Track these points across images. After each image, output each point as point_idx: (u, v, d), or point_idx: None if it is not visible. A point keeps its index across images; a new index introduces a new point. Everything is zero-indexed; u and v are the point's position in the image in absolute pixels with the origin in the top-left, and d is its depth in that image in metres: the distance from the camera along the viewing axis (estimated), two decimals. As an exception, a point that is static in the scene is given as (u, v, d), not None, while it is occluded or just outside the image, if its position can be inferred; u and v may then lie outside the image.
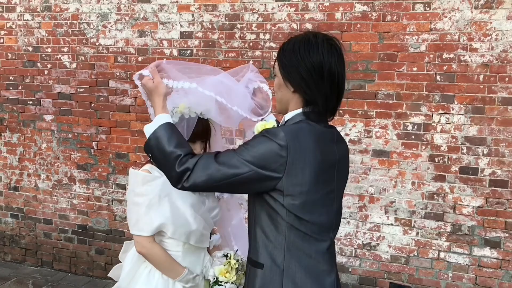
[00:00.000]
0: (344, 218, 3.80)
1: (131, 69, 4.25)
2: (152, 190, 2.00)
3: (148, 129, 1.76)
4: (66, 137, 4.55)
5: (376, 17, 3.58)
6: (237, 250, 2.26)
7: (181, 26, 4.08)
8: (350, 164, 3.72)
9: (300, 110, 1.72)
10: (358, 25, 3.63)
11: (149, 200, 2.00)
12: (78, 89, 4.46)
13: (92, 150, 4.48)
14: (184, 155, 1.68)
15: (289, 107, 1.75)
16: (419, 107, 3.55)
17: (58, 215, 4.68)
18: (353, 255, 3.82)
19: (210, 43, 4.01)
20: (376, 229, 3.74)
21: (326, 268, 1.75)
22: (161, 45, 4.16)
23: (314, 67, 1.63)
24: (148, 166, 2.12)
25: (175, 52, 4.12)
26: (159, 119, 1.77)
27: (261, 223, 1.73)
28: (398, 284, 3.71)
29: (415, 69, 3.53)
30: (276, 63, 1.75)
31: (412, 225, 3.65)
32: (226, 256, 2.18)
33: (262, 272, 1.72)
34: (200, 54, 4.05)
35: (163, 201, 2.01)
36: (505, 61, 3.34)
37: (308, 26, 3.73)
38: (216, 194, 2.21)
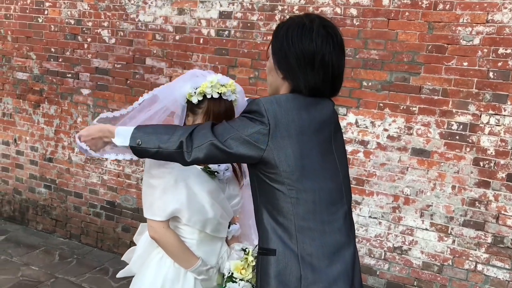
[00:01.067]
0: (375, 218, 3.58)
1: (168, 47, 4.17)
2: (169, 173, 1.89)
3: (122, 141, 1.71)
4: (101, 112, 4.53)
5: (427, 5, 3.30)
6: (256, 246, 2.12)
7: (221, 5, 3.94)
8: (386, 162, 3.52)
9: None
10: (407, 13, 3.37)
11: (165, 183, 1.89)
12: (116, 65, 4.43)
13: (125, 127, 4.44)
14: (181, 142, 1.63)
15: (279, 92, 1.67)
16: (467, 106, 3.26)
17: (88, 189, 4.70)
18: (382, 258, 3.60)
19: (248, 25, 3.86)
20: (409, 232, 3.49)
21: (343, 240, 1.63)
22: (199, 24, 4.04)
23: (304, 55, 1.55)
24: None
25: (212, 33, 3.99)
26: (123, 132, 1.71)
27: (266, 206, 1.64)
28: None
29: (465, 63, 3.24)
30: (270, 45, 1.68)
31: (449, 232, 3.39)
32: (244, 250, 2.04)
33: (275, 258, 1.60)
34: (238, 36, 3.90)
35: (180, 185, 1.90)
36: None
37: (353, 11, 3.50)
38: (221, 176, 2.06)
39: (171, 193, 1.89)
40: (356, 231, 3.62)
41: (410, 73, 3.39)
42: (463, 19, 3.22)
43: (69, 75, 4.67)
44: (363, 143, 3.57)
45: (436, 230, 3.42)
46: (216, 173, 2.01)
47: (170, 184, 1.89)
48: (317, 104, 1.63)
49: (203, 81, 1.95)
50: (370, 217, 3.59)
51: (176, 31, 4.13)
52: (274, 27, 3.76)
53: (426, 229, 3.45)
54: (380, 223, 3.57)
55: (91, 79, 4.56)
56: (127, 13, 4.32)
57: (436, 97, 3.34)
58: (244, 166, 2.10)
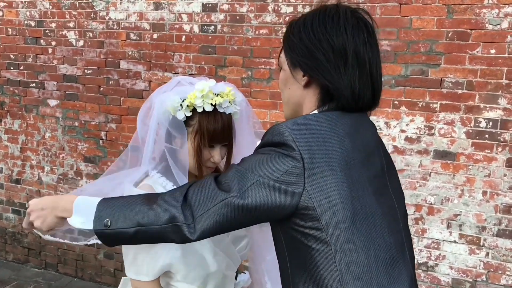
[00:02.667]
0: (395, 231, 3.14)
1: (145, 47, 3.64)
2: None
3: (83, 222, 1.23)
4: (72, 125, 3.99)
5: (445, -15, 2.87)
6: (272, 295, 1.66)
7: (204, -3, 3.44)
8: (405, 167, 3.07)
9: (316, 112, 1.25)
10: (422, -4, 2.93)
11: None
12: (86, 71, 3.88)
13: (101, 141, 3.91)
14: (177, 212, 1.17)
15: (301, 110, 1.28)
16: (496, 99, 2.84)
17: (63, 212, 4.14)
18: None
19: (237, 18, 3.36)
20: (435, 246, 3.07)
21: None
22: (180, 19, 3.52)
23: (334, 49, 1.18)
24: (151, 180, 1.53)
25: (196, 28, 3.48)
26: (83, 207, 1.23)
27: (299, 274, 1.17)
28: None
29: (493, 51, 2.82)
30: (282, 52, 1.31)
31: (481, 243, 2.97)
32: None
33: None
34: (226, 31, 3.40)
35: None
36: None
37: (358, -4, 3.04)
38: None
39: (160, 243, 1.41)
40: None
41: (428, 64, 2.95)
42: (488, 0, 2.79)
43: (33, 85, 4.10)
44: (378, 147, 3.12)
45: (467, 242, 3.00)
46: None
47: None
48: (358, 125, 1.22)
49: (191, 90, 1.47)
50: (389, 230, 3.15)
51: (153, 29, 3.61)
52: (267, 19, 3.29)
53: (455, 242, 3.03)
54: (401, 237, 3.14)
55: (58, 88, 4.00)
56: (95, 11, 3.77)
57: (460, 91, 2.91)
58: None
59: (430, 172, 3.03)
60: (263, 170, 1.11)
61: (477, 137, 2.91)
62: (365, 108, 1.24)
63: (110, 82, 3.80)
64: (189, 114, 1.46)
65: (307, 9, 3.08)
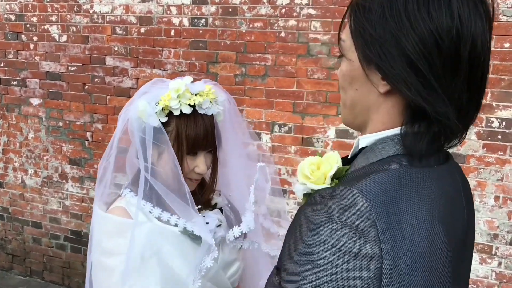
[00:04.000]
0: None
1: (132, 43, 3.41)
2: (131, 246, 1.22)
3: None
4: (56, 125, 3.76)
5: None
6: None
7: (194, -12, 3.20)
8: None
9: (396, 131, 0.83)
10: (429, -15, 2.70)
11: (126, 262, 1.20)
12: (70, 68, 3.65)
13: (87, 142, 3.68)
14: None
15: (370, 120, 0.87)
16: (510, 97, 2.62)
17: (48, 217, 3.93)
18: None
19: (230, 10, 3.13)
20: (443, 255, 2.87)
21: None
22: (168, 12, 3.29)
23: (439, 43, 0.74)
24: (124, 202, 1.31)
25: (186, 22, 3.25)
26: None
27: None
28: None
29: (507, 45, 2.59)
30: (346, 31, 0.86)
31: (493, 252, 2.76)
32: None
33: None
34: (218, 24, 3.17)
35: (150, 263, 1.23)
36: None
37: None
38: (237, 243, 1.36)
39: (136, 278, 1.21)
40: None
41: (436, 60, 2.74)
42: (502, -11, 2.57)
43: (14, 83, 3.86)
44: (381, 149, 2.91)
45: (477, 250, 2.79)
46: (196, 239, 1.31)
47: (134, 264, 1.21)
48: (449, 176, 0.87)
49: (165, 91, 1.25)
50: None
51: (140, 23, 3.37)
52: (262, 11, 3.06)
53: (465, 250, 2.82)
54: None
55: (41, 86, 3.77)
56: (79, 4, 3.53)
57: (470, 89, 2.69)
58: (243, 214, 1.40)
59: (438, 176, 2.82)
60: (335, 277, 0.72)
61: (489, 138, 2.69)
62: (464, 127, 0.84)
63: (96, 79, 3.57)
64: (164, 119, 1.24)
65: (305, 1, 2.86)
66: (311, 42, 2.96)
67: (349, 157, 0.91)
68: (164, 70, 3.35)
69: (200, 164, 1.28)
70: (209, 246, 1.23)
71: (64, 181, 3.80)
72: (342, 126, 2.95)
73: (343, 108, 0.93)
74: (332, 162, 0.85)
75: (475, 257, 2.79)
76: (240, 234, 1.29)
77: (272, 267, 1.46)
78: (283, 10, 3.00)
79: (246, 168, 1.43)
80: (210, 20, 3.18)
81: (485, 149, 2.71)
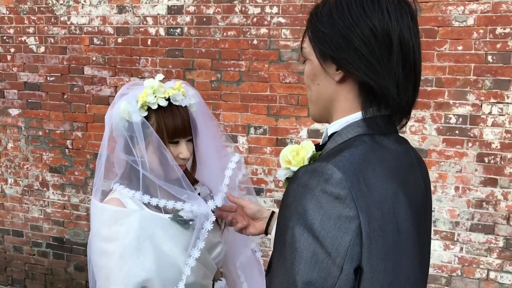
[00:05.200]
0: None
1: (109, 52, 3.53)
2: (126, 232, 1.37)
3: None
4: (36, 134, 3.84)
5: (412, -17, 2.87)
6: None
7: (169, -1, 3.36)
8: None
9: (357, 116, 1.02)
10: None
11: (123, 246, 1.36)
12: (48, 78, 3.74)
13: (67, 150, 3.77)
14: None
15: (333, 109, 1.05)
16: (465, 95, 2.87)
17: (29, 225, 3.99)
18: None
19: (204, 19, 3.29)
20: (411, 243, 3.08)
21: None
22: (145, 22, 3.43)
23: (376, 36, 0.96)
24: (117, 193, 1.46)
25: (162, 32, 3.40)
26: None
27: None
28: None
29: (460, 48, 2.84)
30: (306, 38, 1.07)
31: (455, 239, 3.00)
32: None
33: None
34: (193, 33, 3.33)
35: (144, 246, 1.37)
36: None
37: (326, -4, 3.02)
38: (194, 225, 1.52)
39: (133, 259, 1.36)
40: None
41: (397, 63, 2.96)
42: (454, -3, 2.82)
43: (-8, 94, 3.93)
44: (350, 146, 3.11)
45: (441, 238, 3.02)
46: (191, 221, 1.47)
47: (131, 247, 1.37)
48: (404, 154, 1.05)
49: (141, 90, 1.42)
50: (364, 230, 3.14)
51: (117, 33, 3.50)
52: (234, 20, 3.24)
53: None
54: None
55: (19, 96, 3.85)
56: (56, 16, 3.64)
57: (429, 88, 2.93)
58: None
59: (403, 170, 3.03)
60: (330, 242, 0.87)
61: (448, 134, 2.93)
62: (407, 109, 1.05)
63: (75, 89, 3.67)
64: (145, 113, 1.40)
65: (275, 10, 3.05)
66: (282, 48, 3.15)
67: (320, 144, 1.09)
68: (142, 78, 3.48)
69: (183, 150, 1.44)
70: (207, 214, 1.39)
71: (45, 189, 3.88)
72: (313, 126, 3.14)
73: (310, 104, 1.12)
74: (308, 148, 1.04)
75: (439, 244, 3.02)
76: (214, 207, 1.46)
77: (249, 244, 1.62)
78: (255, 19, 3.18)
79: (220, 156, 1.60)
80: (186, 29, 3.34)
81: (444, 143, 2.94)
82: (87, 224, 3.79)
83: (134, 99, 1.41)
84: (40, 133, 3.83)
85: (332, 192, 0.88)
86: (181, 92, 1.44)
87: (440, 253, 3.03)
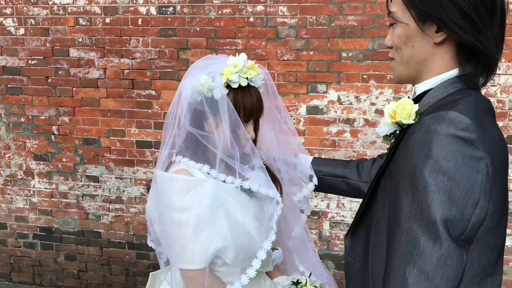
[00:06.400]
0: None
1: (97, 33, 3.41)
2: (200, 201, 1.35)
3: None
4: (18, 121, 3.67)
5: (407, -41, 2.94)
6: (310, 274, 1.63)
7: (160, -23, 3.28)
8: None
9: (452, 73, 1.08)
10: (385, -30, 2.98)
11: (198, 215, 1.35)
12: (30, 61, 3.57)
13: (53, 136, 3.63)
14: None
15: (425, 69, 1.12)
16: (459, 68, 2.99)
17: (14, 217, 3.83)
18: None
19: (198, -2, 3.24)
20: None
21: None
22: (134, 1, 3.34)
23: (483, 1, 1.03)
24: (183, 165, 1.44)
25: (153, 10, 3.32)
26: None
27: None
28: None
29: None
30: (395, 4, 1.12)
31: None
32: (296, 284, 1.56)
33: None
34: (186, 12, 3.27)
35: (218, 214, 1.37)
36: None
37: (322, -28, 3.04)
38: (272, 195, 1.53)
39: (209, 227, 1.35)
40: (350, 218, 3.27)
41: (394, 38, 3.03)
42: (448, -27, 2.91)
43: (-33, 80, 3.71)
44: (349, 121, 3.18)
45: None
46: (250, 192, 1.49)
47: (205, 216, 1.35)
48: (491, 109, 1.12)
49: (224, 66, 1.41)
50: (364, 202, 3.23)
51: (105, 13, 3.39)
52: (230, -2, 3.21)
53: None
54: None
55: (-2, 81, 3.66)
56: (36, -5, 3.47)
57: (425, 62, 3.02)
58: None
59: (401, 142, 3.13)
60: (468, 183, 0.94)
61: (443, 105, 3.05)
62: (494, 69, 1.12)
63: (60, 72, 3.53)
64: (226, 91, 1.39)
65: (271, -13, 3.04)
66: (279, 26, 3.15)
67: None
68: (133, 59, 3.39)
69: (250, 130, 1.45)
70: (275, 200, 1.41)
71: (30, 177, 3.72)
72: (312, 103, 3.18)
73: (399, 65, 1.16)
74: (411, 103, 1.08)
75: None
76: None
77: (301, 220, 1.65)
78: (251, -4, 3.17)
79: (279, 138, 1.62)
80: (178, 8, 3.28)
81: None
82: (78, 211, 3.69)
83: (217, 74, 1.39)
84: (23, 119, 3.66)
85: (464, 136, 0.94)
86: (257, 73, 1.43)
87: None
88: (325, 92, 3.16)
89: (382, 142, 1.24)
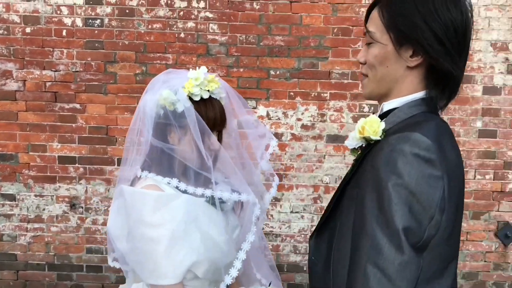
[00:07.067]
0: (297, 212, 3.40)
1: (16, 43, 3.24)
2: (173, 216, 1.38)
3: None
4: None
5: (329, -14, 3.19)
6: (270, 283, 1.71)
7: (87, -12, 3.20)
8: (302, 152, 3.35)
9: (418, 95, 1.20)
10: (309, -5, 3.20)
11: (171, 231, 1.36)
12: None
13: (-38, 152, 3.36)
14: None
15: (395, 89, 1.21)
16: (375, 87, 3.28)
17: None
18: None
19: (127, 11, 3.22)
20: (332, 221, 3.41)
21: None
22: (58, 12, 3.22)
23: (456, 30, 1.13)
24: (151, 180, 1.45)
25: (79, 22, 3.22)
26: None
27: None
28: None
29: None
30: (373, 24, 1.20)
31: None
32: None
33: None
34: (114, 25, 3.23)
35: (190, 229, 1.40)
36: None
37: (252, -6, 3.19)
38: (230, 206, 1.60)
39: (182, 242, 1.38)
40: (278, 229, 3.41)
41: (318, 58, 3.26)
42: (365, 0, 3.20)
43: None
44: (277, 135, 3.33)
45: (358, 213, 3.40)
46: (223, 203, 1.55)
47: (179, 231, 1.38)
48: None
49: (185, 79, 1.45)
50: (292, 212, 3.40)
51: (25, 22, 3.23)
52: (160, 13, 3.22)
53: (348, 215, 3.41)
54: (302, 216, 3.41)
55: None
56: None
57: (346, 81, 3.28)
58: None
59: (325, 155, 3.35)
60: (425, 199, 1.05)
61: (362, 121, 3.31)
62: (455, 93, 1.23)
63: (-29, 83, 3.29)
64: (188, 104, 1.43)
65: (202, 4, 3.13)
66: (210, 42, 3.23)
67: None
68: (56, 71, 3.26)
69: (214, 142, 1.50)
70: (255, 203, 1.46)
71: None
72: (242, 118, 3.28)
73: (371, 83, 1.25)
74: (378, 121, 1.20)
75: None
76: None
77: (254, 230, 1.73)
78: (181, 13, 3.21)
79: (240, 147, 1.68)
80: (106, 20, 3.22)
81: (359, 130, 3.32)
82: (-9, 233, 3.43)
83: (179, 87, 1.42)
84: None
85: (425, 156, 1.05)
86: (218, 86, 1.48)
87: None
88: (255, 108, 3.28)
89: (349, 154, 1.36)
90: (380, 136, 1.19)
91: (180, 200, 1.39)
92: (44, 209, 3.40)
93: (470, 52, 3.15)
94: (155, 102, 1.43)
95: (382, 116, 1.25)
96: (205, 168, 1.46)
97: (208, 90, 1.45)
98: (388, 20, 1.16)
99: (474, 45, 3.22)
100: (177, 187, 1.44)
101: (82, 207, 3.39)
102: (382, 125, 1.20)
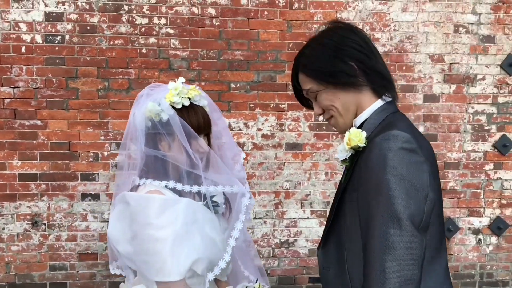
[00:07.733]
0: (260, 218, 3.56)
1: (-28, 60, 3.18)
2: (176, 218, 1.49)
3: None
4: None
5: (284, 4, 3.40)
6: (257, 280, 1.85)
7: (46, 5, 3.21)
8: (263, 161, 3.53)
9: (379, 102, 1.41)
10: (265, 12, 3.40)
11: (175, 232, 1.48)
12: None
13: None
14: None
15: (359, 110, 1.43)
16: (329, 97, 3.52)
17: None
18: (271, 255, 3.62)
19: (88, 28, 3.26)
20: (293, 224, 3.61)
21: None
22: (17, 29, 3.21)
23: (365, 39, 1.39)
24: (151, 186, 1.57)
25: (38, 39, 3.23)
26: None
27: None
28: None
29: (323, 58, 3.48)
30: (305, 82, 1.43)
31: (327, 215, 3.63)
32: None
33: None
34: (76, 41, 3.26)
35: (192, 229, 1.53)
36: (402, 51, 3.55)
37: (211, 11, 3.34)
38: (222, 210, 1.74)
39: (185, 242, 1.50)
40: (242, 236, 3.55)
41: (275, 71, 3.46)
42: (317, 17, 3.45)
43: None
44: (239, 145, 3.47)
45: (316, 216, 3.62)
46: (218, 206, 1.69)
47: (182, 232, 1.50)
48: None
49: (166, 91, 1.59)
50: (255, 218, 3.55)
51: (-19, 39, 3.19)
52: (122, 29, 3.30)
53: (308, 218, 3.62)
54: (265, 222, 3.57)
55: None
56: None
57: (301, 92, 3.49)
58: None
59: (284, 162, 3.54)
60: (416, 185, 1.25)
61: (317, 129, 3.54)
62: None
63: None
64: (172, 112, 1.55)
65: (163, 21, 3.24)
66: (171, 57, 3.34)
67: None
68: (15, 87, 3.23)
69: (203, 144, 1.63)
70: (244, 193, 1.60)
71: None
72: (205, 129, 3.41)
73: (339, 118, 1.45)
74: (358, 132, 1.40)
75: (316, 221, 3.61)
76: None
77: (240, 226, 1.88)
78: (143, 29, 3.30)
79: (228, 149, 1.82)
80: (67, 37, 3.25)
81: (315, 137, 3.55)
82: None
83: (162, 98, 1.54)
84: None
85: (408, 147, 1.26)
86: (198, 93, 1.62)
87: (316, 230, 3.63)
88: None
89: (341, 165, 1.54)
90: (365, 143, 1.38)
91: (182, 204, 1.51)
92: (3, 228, 3.33)
93: (411, 64, 3.49)
94: (142, 115, 1.54)
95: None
96: (194, 166, 1.59)
97: (189, 98, 1.59)
98: (314, 73, 1.40)
99: (415, 57, 3.56)
100: (174, 188, 1.56)
101: (44, 224, 3.36)
102: (364, 133, 1.40)
